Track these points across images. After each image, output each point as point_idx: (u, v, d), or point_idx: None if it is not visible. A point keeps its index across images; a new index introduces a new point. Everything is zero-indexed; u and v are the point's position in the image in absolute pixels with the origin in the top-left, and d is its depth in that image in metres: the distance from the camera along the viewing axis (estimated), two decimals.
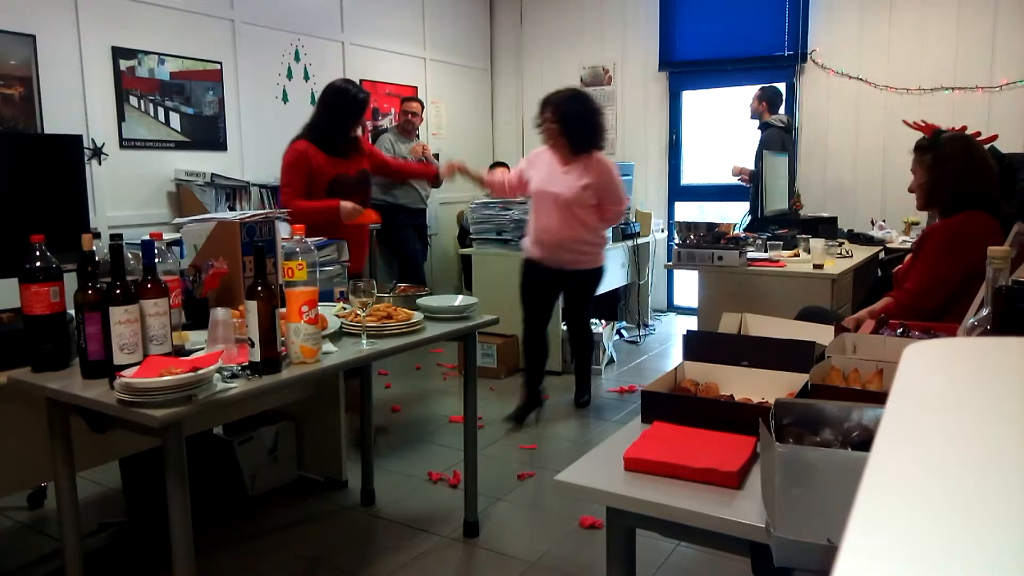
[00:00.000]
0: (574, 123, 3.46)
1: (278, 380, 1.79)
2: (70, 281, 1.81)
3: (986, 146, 2.64)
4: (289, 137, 3.34)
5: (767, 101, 5.43)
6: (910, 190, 2.59)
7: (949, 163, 2.44)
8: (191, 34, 4.52)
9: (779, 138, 5.39)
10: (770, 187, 4.58)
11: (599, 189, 3.49)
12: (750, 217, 5.25)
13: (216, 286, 2.15)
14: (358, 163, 3.32)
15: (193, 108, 4.57)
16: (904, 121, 2.63)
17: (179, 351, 1.86)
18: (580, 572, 2.40)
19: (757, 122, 5.49)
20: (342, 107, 3.23)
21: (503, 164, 6.02)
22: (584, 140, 3.48)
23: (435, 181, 3.59)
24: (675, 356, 5.00)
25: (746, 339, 1.87)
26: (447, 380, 4.50)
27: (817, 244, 3.63)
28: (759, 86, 5.53)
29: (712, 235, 3.91)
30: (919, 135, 2.57)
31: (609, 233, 4.01)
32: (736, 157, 5.72)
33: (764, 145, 5.18)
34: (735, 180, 5.63)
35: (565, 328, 4.59)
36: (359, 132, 3.40)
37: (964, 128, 2.56)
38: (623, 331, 5.55)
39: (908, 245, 4.31)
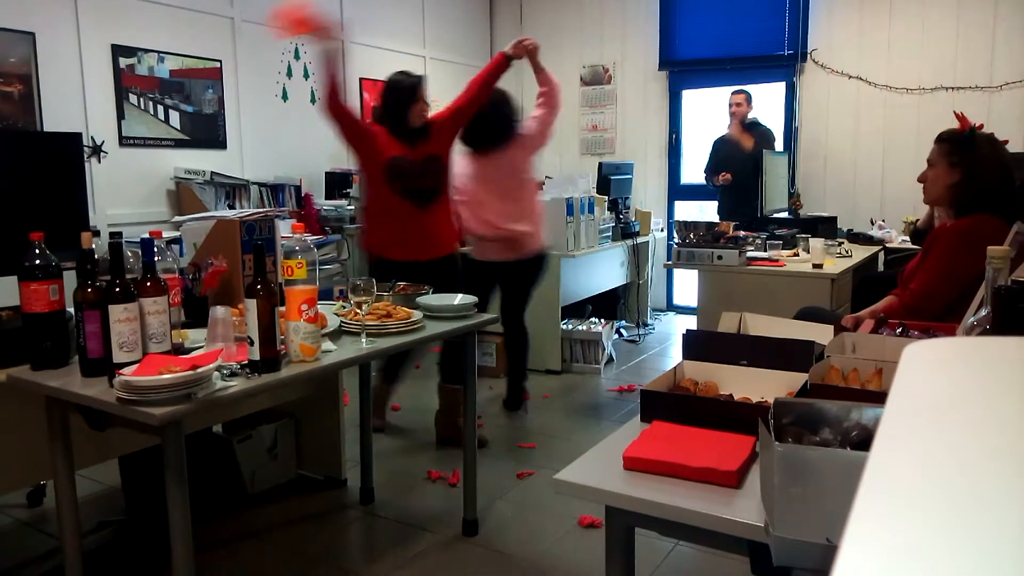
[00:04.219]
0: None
1: (277, 378, 1.79)
2: (69, 279, 1.80)
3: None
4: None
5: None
6: (920, 179, 2.52)
7: (984, 167, 2.38)
8: (191, 32, 4.52)
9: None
10: (770, 186, 4.58)
11: None
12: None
13: (215, 284, 2.15)
14: (427, 149, 3.25)
15: (193, 106, 4.57)
16: (955, 112, 2.58)
17: (178, 349, 1.86)
18: (579, 571, 2.40)
19: (733, 123, 5.53)
20: (392, 98, 3.24)
21: None
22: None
23: (507, 64, 3.34)
24: (674, 355, 5.00)
25: (745, 338, 1.87)
26: None
27: (816, 244, 3.63)
28: (738, 89, 5.57)
29: (711, 234, 3.91)
30: (919, 134, 2.54)
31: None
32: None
33: (768, 142, 5.23)
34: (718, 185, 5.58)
35: (566, 326, 4.61)
36: (425, 117, 3.27)
37: (982, 126, 2.52)
38: (622, 330, 5.56)
39: (908, 244, 4.31)
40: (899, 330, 1.86)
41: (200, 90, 4.60)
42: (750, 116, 5.51)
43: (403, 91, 3.21)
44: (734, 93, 5.55)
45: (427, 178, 3.23)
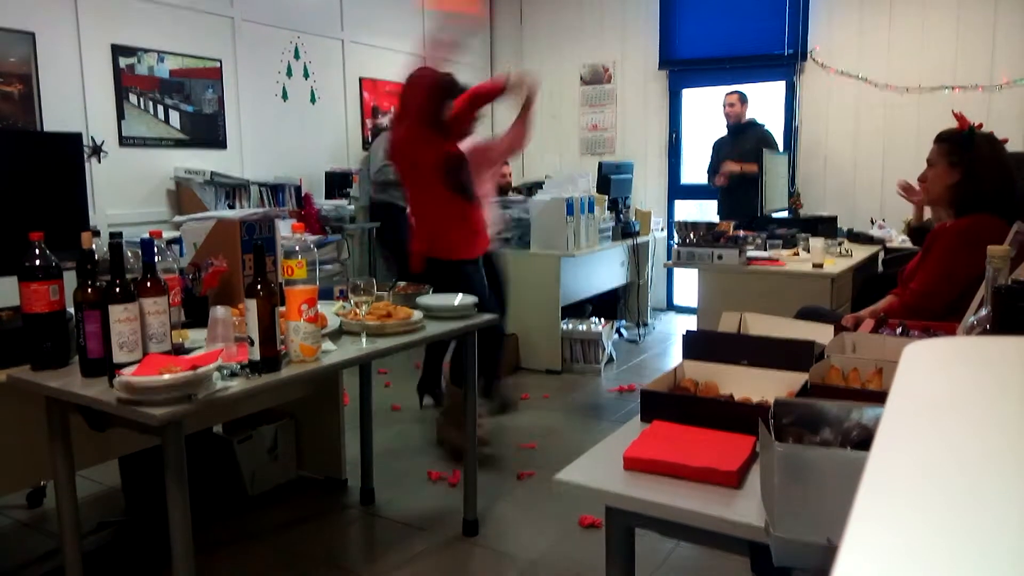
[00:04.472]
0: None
1: (277, 379, 1.79)
2: (69, 279, 1.80)
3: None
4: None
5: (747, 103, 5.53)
6: (921, 179, 2.52)
7: (984, 166, 2.38)
8: (191, 32, 4.52)
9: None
10: (770, 185, 4.58)
11: None
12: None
13: (216, 284, 2.15)
14: (458, 146, 3.26)
15: (193, 106, 4.57)
16: (953, 112, 2.59)
17: (179, 349, 1.86)
18: (579, 571, 2.40)
19: (727, 123, 5.56)
20: (430, 94, 3.17)
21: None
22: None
23: (504, 89, 3.28)
24: (675, 355, 5.00)
25: (745, 338, 1.87)
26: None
27: (817, 243, 3.63)
28: (732, 90, 5.58)
29: (712, 234, 3.91)
30: (919, 134, 2.54)
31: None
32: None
33: (767, 142, 5.23)
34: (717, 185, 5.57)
35: (566, 326, 4.61)
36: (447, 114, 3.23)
37: (981, 126, 2.53)
38: (622, 330, 5.56)
39: (908, 244, 4.31)
40: (899, 330, 1.86)
41: (200, 90, 4.60)
42: (747, 116, 5.51)
43: (443, 87, 3.18)
44: (728, 94, 5.55)
45: (468, 173, 3.25)
